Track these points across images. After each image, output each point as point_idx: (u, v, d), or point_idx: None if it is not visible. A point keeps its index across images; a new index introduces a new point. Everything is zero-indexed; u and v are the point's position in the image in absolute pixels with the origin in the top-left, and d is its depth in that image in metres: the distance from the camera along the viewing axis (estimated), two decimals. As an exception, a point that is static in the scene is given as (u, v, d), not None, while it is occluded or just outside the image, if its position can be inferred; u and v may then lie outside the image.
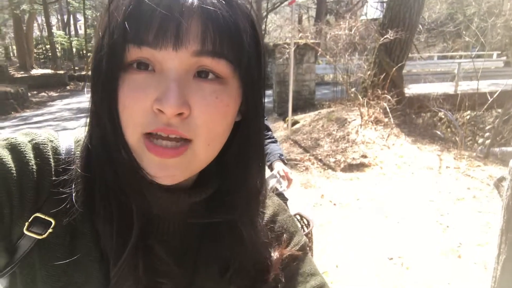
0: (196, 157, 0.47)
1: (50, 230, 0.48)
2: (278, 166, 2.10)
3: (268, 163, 2.18)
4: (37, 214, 0.48)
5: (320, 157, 6.25)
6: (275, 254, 0.59)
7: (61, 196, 0.49)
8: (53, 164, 0.50)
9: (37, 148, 0.50)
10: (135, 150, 0.46)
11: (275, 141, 2.30)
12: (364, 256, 3.33)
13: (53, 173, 0.50)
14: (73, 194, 0.49)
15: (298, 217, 2.15)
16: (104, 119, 0.46)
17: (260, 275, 0.57)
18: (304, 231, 2.03)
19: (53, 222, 0.49)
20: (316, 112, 8.59)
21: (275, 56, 9.81)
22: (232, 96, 0.47)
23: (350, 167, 5.69)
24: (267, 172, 2.26)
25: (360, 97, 7.06)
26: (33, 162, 0.49)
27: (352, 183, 5.13)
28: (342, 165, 5.80)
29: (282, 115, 9.36)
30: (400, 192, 4.71)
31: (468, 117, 8.73)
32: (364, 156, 5.92)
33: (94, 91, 0.47)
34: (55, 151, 0.52)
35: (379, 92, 6.93)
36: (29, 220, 0.48)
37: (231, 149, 0.52)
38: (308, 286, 0.60)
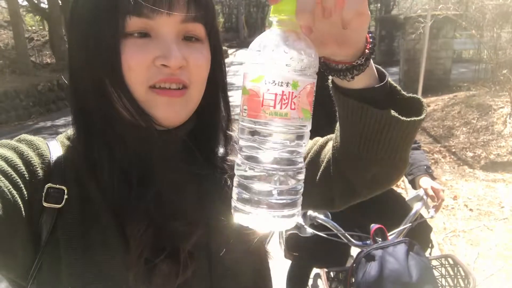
0: (192, 99, 0.63)
1: (65, 197, 0.57)
2: (426, 182, 1.62)
3: (410, 177, 1.72)
4: (49, 185, 0.57)
5: (453, 150, 5.41)
6: None
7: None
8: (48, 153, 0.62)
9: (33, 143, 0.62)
10: (144, 102, 0.59)
11: (419, 147, 1.80)
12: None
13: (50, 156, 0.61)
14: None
15: (447, 262, 1.49)
16: (107, 82, 0.58)
17: None
18: None
19: (66, 190, 0.57)
20: (451, 95, 7.53)
21: (405, 31, 8.74)
22: (209, 53, 0.65)
23: (494, 166, 4.78)
24: (408, 191, 1.83)
25: (512, 80, 5.87)
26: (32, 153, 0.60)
27: (495, 186, 4.29)
28: (482, 162, 4.92)
29: (409, 97, 8.41)
30: None
31: None
32: (513, 153, 4.92)
33: (92, 60, 0.58)
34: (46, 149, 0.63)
35: (540, 75, 5.65)
36: (44, 191, 0.56)
37: (204, 98, 0.67)
38: None
